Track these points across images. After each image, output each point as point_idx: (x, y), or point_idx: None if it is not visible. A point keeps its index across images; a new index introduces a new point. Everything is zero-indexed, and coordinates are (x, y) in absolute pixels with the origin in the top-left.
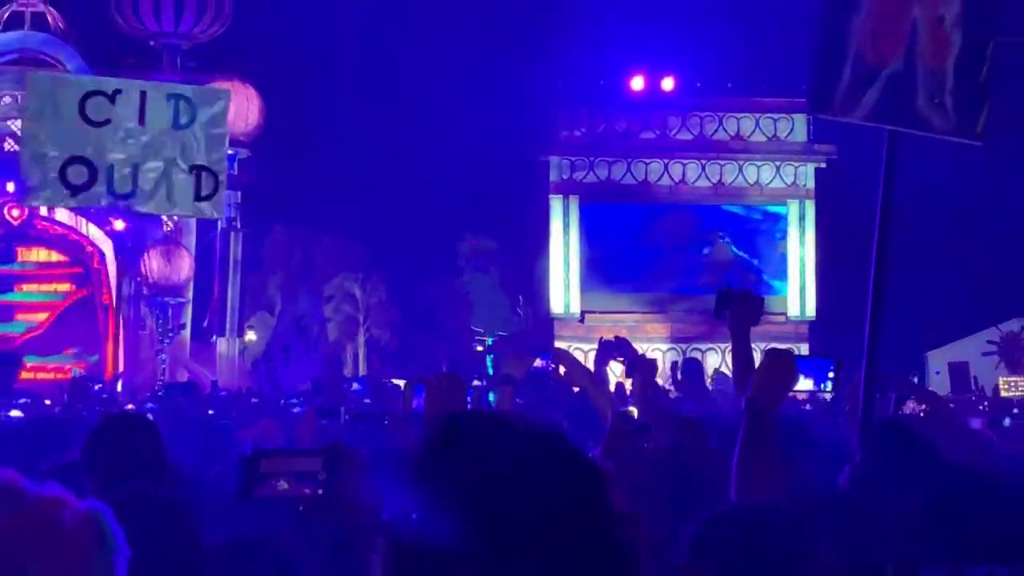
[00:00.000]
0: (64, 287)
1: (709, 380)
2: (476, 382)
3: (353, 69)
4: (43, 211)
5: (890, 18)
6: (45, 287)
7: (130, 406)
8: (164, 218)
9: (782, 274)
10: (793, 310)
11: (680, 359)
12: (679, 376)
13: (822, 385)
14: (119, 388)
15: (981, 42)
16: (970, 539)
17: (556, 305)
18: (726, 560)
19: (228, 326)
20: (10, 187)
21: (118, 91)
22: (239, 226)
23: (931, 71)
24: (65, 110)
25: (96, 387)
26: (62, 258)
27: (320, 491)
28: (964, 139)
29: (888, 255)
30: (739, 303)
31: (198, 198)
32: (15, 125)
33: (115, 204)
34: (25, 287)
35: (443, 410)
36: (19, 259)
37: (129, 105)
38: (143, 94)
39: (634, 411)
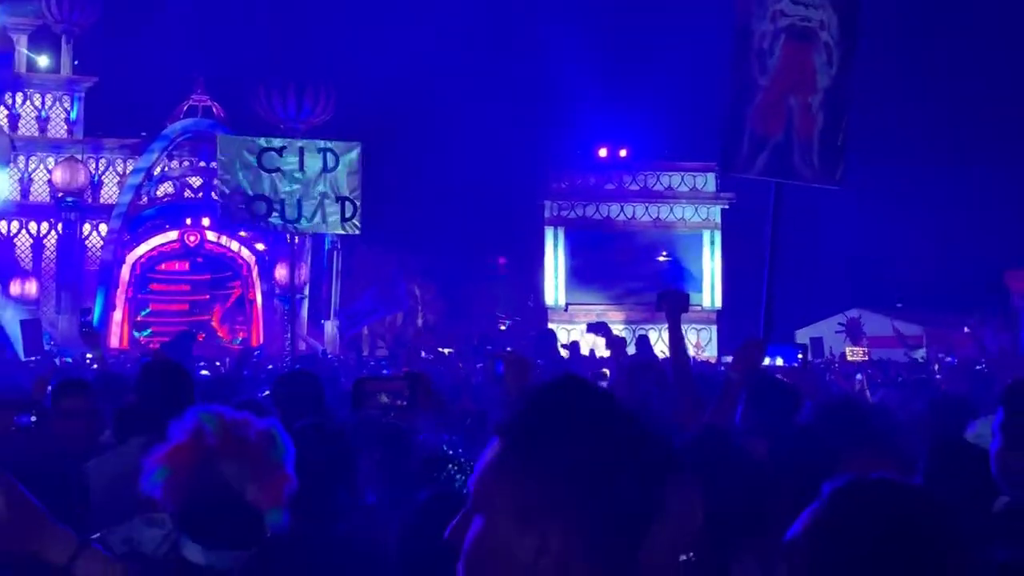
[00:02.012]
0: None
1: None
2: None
3: (412, 142)
4: (210, 236)
5: (774, 105)
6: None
7: (270, 366)
8: (288, 239)
9: (699, 279)
10: (706, 302)
11: (634, 336)
12: (634, 347)
13: (793, 364)
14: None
15: (838, 119)
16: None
17: (549, 299)
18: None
19: (331, 313)
20: (205, 221)
21: (284, 147)
22: (339, 247)
23: (803, 140)
24: (248, 162)
25: (256, 353)
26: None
27: (404, 403)
28: (827, 185)
29: (777, 265)
30: (673, 299)
31: (343, 220)
32: (193, 179)
33: (286, 228)
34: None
35: (517, 377)
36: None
37: (292, 156)
38: (301, 149)
39: (607, 372)
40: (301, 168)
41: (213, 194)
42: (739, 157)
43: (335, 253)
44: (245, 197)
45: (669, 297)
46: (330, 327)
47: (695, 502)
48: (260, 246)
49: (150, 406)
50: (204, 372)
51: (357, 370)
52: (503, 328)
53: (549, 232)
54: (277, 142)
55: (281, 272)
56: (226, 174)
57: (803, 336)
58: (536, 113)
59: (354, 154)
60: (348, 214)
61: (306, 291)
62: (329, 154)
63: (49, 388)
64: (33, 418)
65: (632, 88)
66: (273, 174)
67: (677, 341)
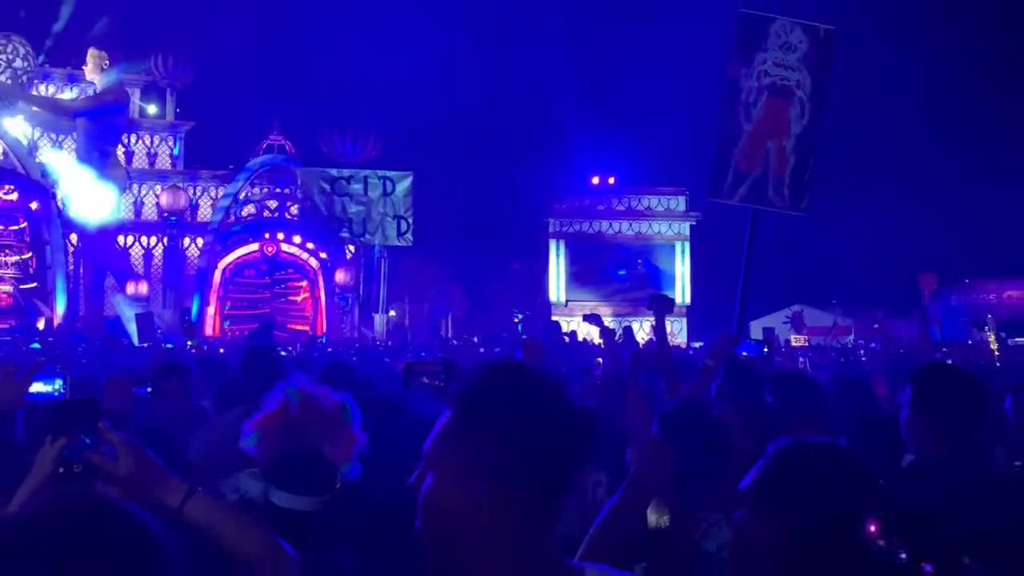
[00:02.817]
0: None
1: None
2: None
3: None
4: (284, 247)
5: (755, 146)
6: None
7: (329, 349)
8: (347, 248)
9: (672, 281)
10: (678, 300)
11: (620, 327)
12: (621, 336)
13: (758, 354)
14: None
15: (806, 159)
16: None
17: (553, 297)
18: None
19: (380, 308)
20: (280, 235)
21: (351, 176)
22: (385, 255)
23: (776, 176)
24: (324, 188)
25: (321, 340)
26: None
27: (441, 383)
28: (794, 212)
29: (751, 272)
30: (661, 301)
31: (399, 234)
32: (270, 202)
33: (354, 241)
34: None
35: (533, 358)
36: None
37: (357, 184)
38: (365, 177)
39: (599, 360)
40: (365, 193)
41: (287, 214)
42: (724, 186)
43: (382, 260)
44: (322, 216)
45: (658, 300)
46: (378, 319)
47: (663, 462)
48: (323, 255)
49: (252, 382)
50: (282, 353)
51: (402, 353)
52: (517, 320)
53: (552, 243)
54: (346, 172)
55: (340, 275)
56: (307, 199)
57: (756, 326)
58: (542, 149)
59: (407, 181)
60: (403, 229)
61: (360, 291)
62: (388, 181)
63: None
64: (149, 389)
65: (619, 128)
66: (343, 198)
67: (662, 334)
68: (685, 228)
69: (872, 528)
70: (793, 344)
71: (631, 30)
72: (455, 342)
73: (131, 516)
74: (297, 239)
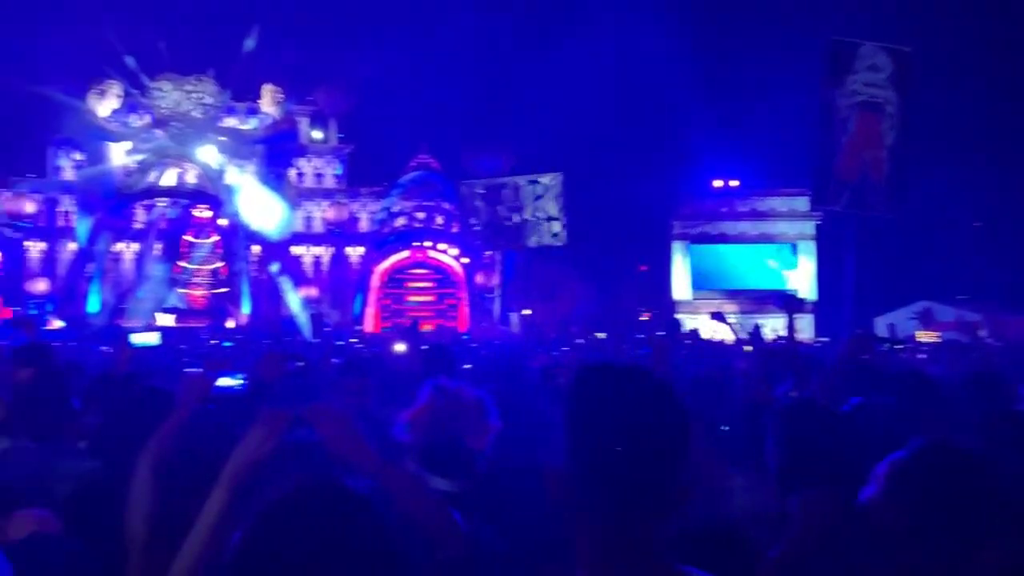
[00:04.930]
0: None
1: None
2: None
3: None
4: (431, 253)
5: (852, 157)
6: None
7: (474, 344)
8: (486, 252)
9: (797, 279)
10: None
11: (741, 324)
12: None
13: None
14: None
15: (899, 167)
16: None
17: (677, 295)
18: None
19: (516, 307)
20: (427, 243)
21: (504, 183)
22: (520, 259)
23: (874, 183)
24: (480, 198)
25: (464, 336)
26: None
27: None
28: (891, 215)
29: (871, 269)
30: (791, 300)
31: (552, 235)
32: (419, 214)
33: (510, 246)
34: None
35: (661, 355)
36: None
37: (510, 190)
38: (516, 183)
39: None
40: (518, 197)
41: (433, 224)
42: (828, 195)
43: (517, 263)
44: (479, 224)
45: (787, 298)
46: (515, 317)
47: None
48: (465, 260)
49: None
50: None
51: (537, 349)
52: (644, 318)
53: (677, 244)
54: (498, 180)
55: (480, 278)
56: (464, 209)
57: (880, 323)
58: (666, 154)
59: (557, 181)
60: (555, 230)
61: (497, 291)
62: (538, 185)
63: (334, 360)
64: (300, 363)
65: (740, 131)
66: (497, 206)
67: (792, 331)
68: (809, 227)
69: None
70: (920, 340)
71: (749, 32)
72: (580, 340)
73: (373, 505)
74: (443, 246)
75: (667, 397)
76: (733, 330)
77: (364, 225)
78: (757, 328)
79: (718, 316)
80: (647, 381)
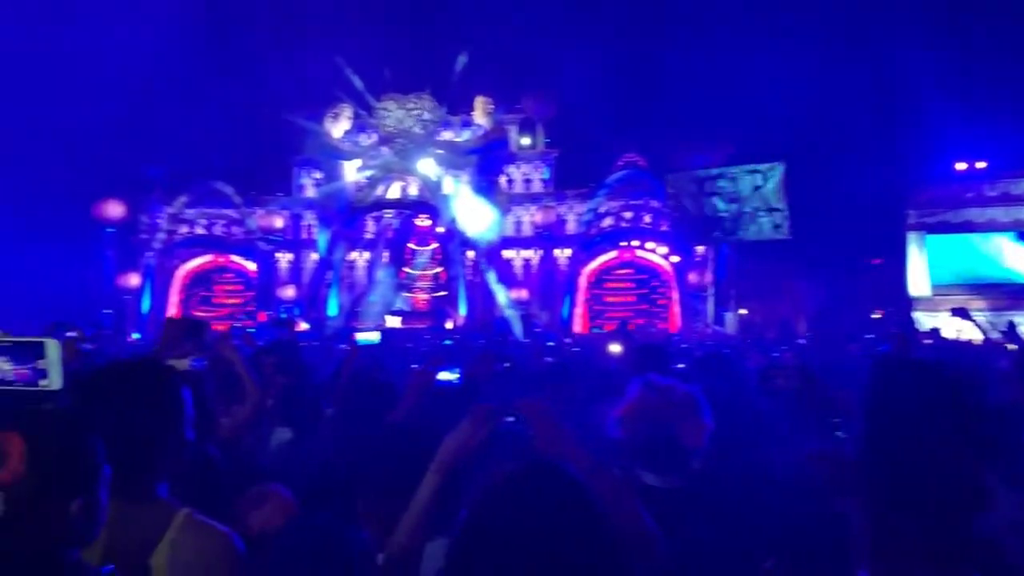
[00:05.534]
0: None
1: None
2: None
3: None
4: (639, 253)
5: None
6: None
7: (684, 345)
8: (697, 249)
9: None
10: None
11: (1002, 323)
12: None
13: None
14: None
15: None
16: None
17: (914, 291)
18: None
19: (731, 306)
20: (635, 242)
21: (719, 175)
22: (735, 255)
23: None
24: (692, 191)
25: (675, 337)
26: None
27: (796, 385)
28: None
29: None
30: None
31: (774, 228)
32: (626, 214)
33: (728, 240)
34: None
35: (902, 353)
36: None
37: (726, 181)
38: (734, 174)
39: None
40: (734, 190)
41: (641, 223)
42: None
43: (732, 259)
44: (692, 219)
45: None
46: (730, 317)
47: None
48: (675, 258)
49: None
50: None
51: (752, 349)
52: (876, 317)
53: (912, 235)
54: (714, 171)
55: (692, 276)
56: (675, 204)
57: None
58: (898, 137)
59: (779, 171)
60: (778, 222)
61: (710, 291)
62: (758, 175)
63: (546, 359)
64: (507, 365)
65: (987, 106)
66: (713, 198)
67: None
68: None
69: None
70: None
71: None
72: (802, 340)
73: (589, 490)
74: (651, 244)
75: (969, 393)
76: (981, 328)
77: (571, 227)
78: (1012, 325)
79: (960, 312)
80: (953, 377)
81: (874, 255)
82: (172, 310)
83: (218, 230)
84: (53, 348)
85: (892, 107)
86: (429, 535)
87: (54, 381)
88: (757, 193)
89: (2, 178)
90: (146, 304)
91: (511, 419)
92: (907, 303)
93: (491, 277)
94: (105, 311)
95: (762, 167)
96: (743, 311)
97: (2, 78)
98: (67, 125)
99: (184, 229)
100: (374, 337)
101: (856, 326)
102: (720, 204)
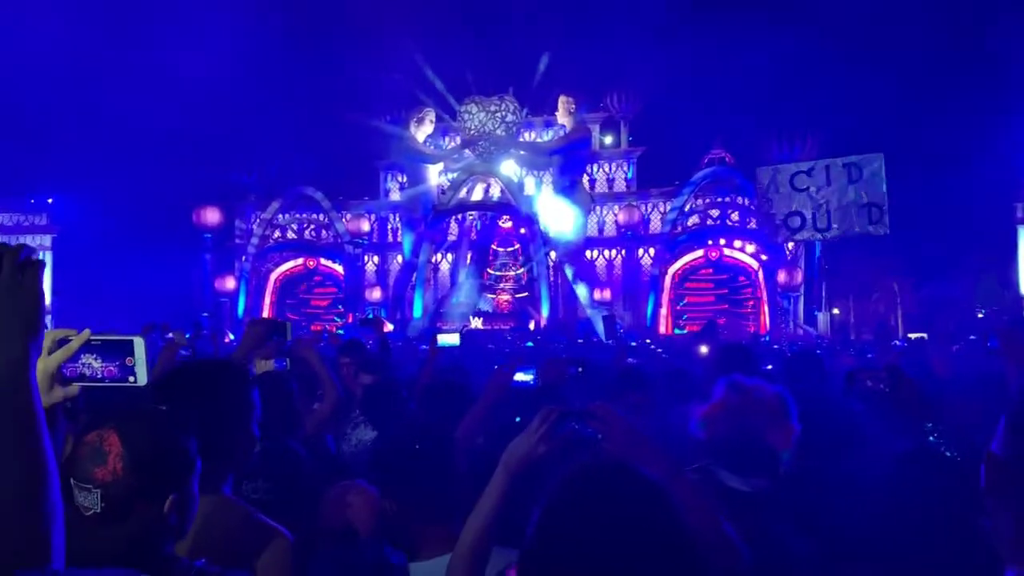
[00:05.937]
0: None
1: None
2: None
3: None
4: (727, 252)
5: None
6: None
7: (775, 346)
8: (787, 247)
9: None
10: None
11: None
12: None
13: None
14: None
15: None
16: None
17: None
18: None
19: (822, 306)
20: (722, 241)
21: (811, 168)
22: (827, 253)
23: None
24: (782, 185)
25: (765, 338)
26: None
27: (886, 388)
28: None
29: None
30: None
31: (870, 223)
32: (712, 212)
33: (817, 238)
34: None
35: (1015, 350)
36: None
37: (819, 175)
38: (827, 167)
39: None
40: (828, 183)
41: (727, 221)
42: None
43: (824, 258)
44: (782, 215)
45: None
46: (821, 317)
47: None
48: (764, 257)
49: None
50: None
51: (842, 350)
52: (980, 316)
53: (1022, 229)
54: (804, 165)
55: (781, 276)
56: (764, 199)
57: None
58: (1002, 127)
59: (876, 164)
60: (875, 218)
61: (801, 290)
62: (853, 168)
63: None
64: (579, 369)
65: None
66: (804, 192)
67: None
68: None
69: None
70: None
71: None
72: (898, 342)
73: (667, 492)
74: (738, 243)
75: None
76: None
77: (656, 226)
78: None
79: None
80: None
81: (979, 251)
82: (265, 312)
83: (308, 234)
84: (140, 346)
85: (998, 96)
86: (496, 539)
87: (140, 378)
88: (852, 186)
89: (111, 190)
90: (241, 306)
91: (576, 426)
92: (1017, 302)
93: (571, 275)
94: (204, 314)
95: (858, 159)
96: (836, 311)
97: (106, 94)
98: (166, 137)
99: (276, 234)
100: (454, 339)
101: (958, 326)
102: (812, 199)
